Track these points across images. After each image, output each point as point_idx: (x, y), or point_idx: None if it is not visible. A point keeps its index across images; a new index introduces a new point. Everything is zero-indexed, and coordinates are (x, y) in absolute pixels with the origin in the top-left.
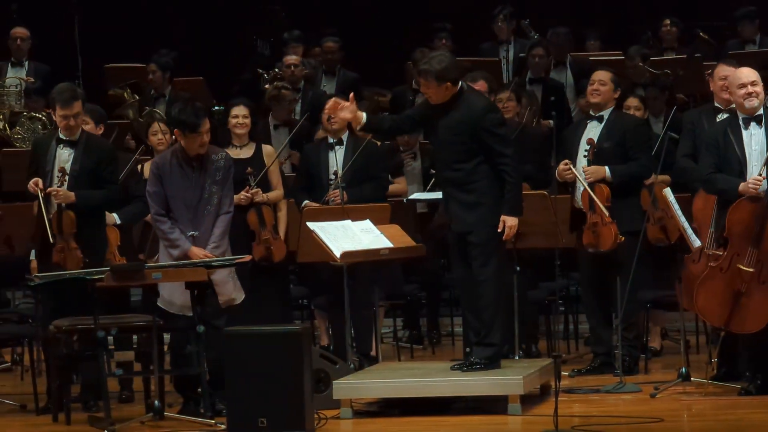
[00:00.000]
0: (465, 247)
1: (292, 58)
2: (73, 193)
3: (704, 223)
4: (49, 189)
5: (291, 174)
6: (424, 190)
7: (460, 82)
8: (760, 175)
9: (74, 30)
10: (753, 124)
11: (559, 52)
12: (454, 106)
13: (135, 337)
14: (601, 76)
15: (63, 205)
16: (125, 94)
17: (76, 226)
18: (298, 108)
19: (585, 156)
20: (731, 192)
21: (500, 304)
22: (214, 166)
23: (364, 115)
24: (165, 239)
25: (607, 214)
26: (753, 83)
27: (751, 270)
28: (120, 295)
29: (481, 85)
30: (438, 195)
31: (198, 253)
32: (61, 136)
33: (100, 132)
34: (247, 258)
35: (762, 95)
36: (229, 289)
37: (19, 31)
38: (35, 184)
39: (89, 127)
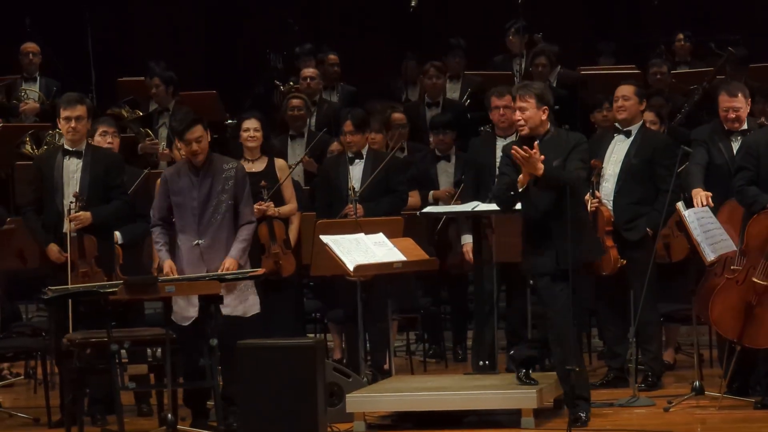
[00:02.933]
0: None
1: (309, 71)
2: (89, 213)
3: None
4: (69, 217)
5: (306, 188)
6: None
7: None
8: None
9: (87, 44)
10: None
11: None
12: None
13: (149, 350)
14: (624, 91)
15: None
16: (123, 112)
17: (98, 248)
18: (313, 120)
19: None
20: (761, 204)
21: None
22: (224, 175)
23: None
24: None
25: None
26: None
27: (764, 283)
28: (133, 309)
29: (508, 100)
30: (450, 208)
31: (167, 268)
32: (66, 146)
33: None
34: (261, 271)
35: None
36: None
37: (30, 46)
38: (59, 254)
39: (117, 142)
